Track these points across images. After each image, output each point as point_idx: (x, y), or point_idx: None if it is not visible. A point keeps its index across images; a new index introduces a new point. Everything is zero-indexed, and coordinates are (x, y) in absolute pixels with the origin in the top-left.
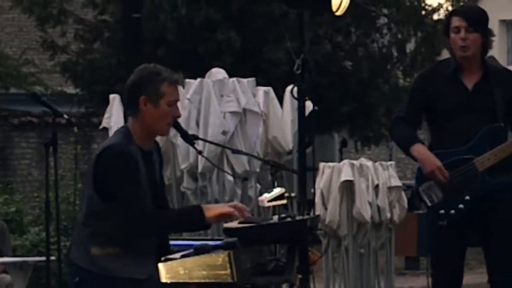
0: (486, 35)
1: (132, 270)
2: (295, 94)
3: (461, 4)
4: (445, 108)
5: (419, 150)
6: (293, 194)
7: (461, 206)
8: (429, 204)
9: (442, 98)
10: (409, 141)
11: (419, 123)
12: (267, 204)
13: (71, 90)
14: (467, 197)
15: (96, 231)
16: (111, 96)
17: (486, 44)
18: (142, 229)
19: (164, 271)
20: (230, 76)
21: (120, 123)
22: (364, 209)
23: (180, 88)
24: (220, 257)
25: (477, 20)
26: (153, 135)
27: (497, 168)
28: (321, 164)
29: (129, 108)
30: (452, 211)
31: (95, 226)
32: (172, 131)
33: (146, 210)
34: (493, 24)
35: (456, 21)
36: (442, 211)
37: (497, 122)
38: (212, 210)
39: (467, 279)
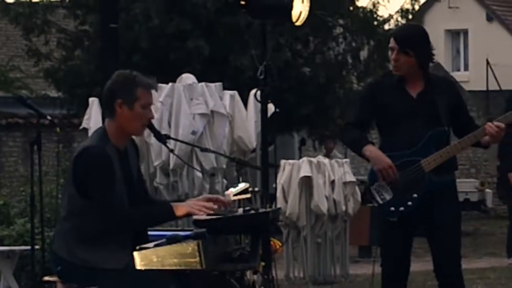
0: (422, 53)
1: (110, 261)
2: (259, 98)
3: (410, 15)
4: (392, 115)
5: (371, 150)
6: (256, 189)
7: (409, 203)
8: (380, 202)
9: (389, 106)
10: (361, 143)
11: (368, 128)
12: (232, 198)
13: (53, 93)
14: (415, 195)
15: (77, 225)
16: (90, 99)
17: (423, 61)
18: (117, 224)
19: (139, 259)
20: (199, 81)
21: (99, 124)
22: (321, 203)
23: (153, 91)
24: (190, 246)
25: (409, 42)
26: (128, 135)
27: (441, 168)
28: (282, 161)
29: (106, 111)
30: (402, 208)
31: (76, 221)
32: (146, 131)
33: (121, 207)
34: (439, 34)
35: (390, 43)
36: (392, 208)
37: (440, 126)
38: (180, 209)
39: (415, 266)
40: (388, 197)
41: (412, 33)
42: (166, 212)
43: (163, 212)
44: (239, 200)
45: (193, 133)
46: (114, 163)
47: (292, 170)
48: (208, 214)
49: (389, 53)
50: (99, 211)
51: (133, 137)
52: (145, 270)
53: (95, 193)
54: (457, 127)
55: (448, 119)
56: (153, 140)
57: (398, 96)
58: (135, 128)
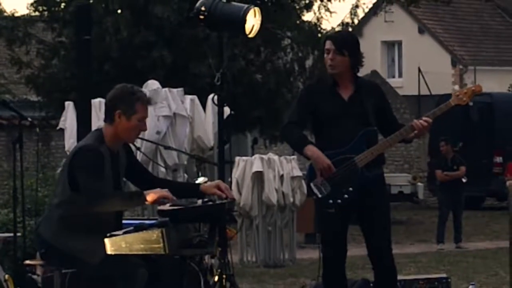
0: (355, 56)
1: (90, 251)
2: (216, 101)
3: (350, 28)
4: (327, 116)
5: (313, 150)
6: None
7: (346, 196)
8: (319, 195)
9: (324, 107)
10: (302, 142)
11: (306, 126)
12: None
13: (33, 98)
14: (351, 188)
15: (66, 213)
16: (66, 103)
17: (355, 64)
18: (100, 204)
19: (109, 245)
20: (163, 86)
21: (74, 125)
22: (271, 195)
23: None
24: (154, 233)
25: (344, 44)
26: (121, 141)
27: (372, 163)
28: (237, 158)
29: (106, 117)
30: (339, 201)
31: (66, 209)
32: None
33: (100, 188)
34: (376, 44)
35: (327, 44)
36: (330, 201)
37: (370, 126)
38: (151, 195)
39: (355, 251)
40: (326, 191)
41: (347, 37)
42: (140, 197)
43: (134, 193)
44: None
45: (158, 133)
46: (106, 161)
47: (245, 166)
48: (171, 205)
49: (325, 55)
50: (87, 198)
51: None
52: (117, 255)
53: (85, 183)
54: (382, 126)
55: (375, 119)
56: None
57: (331, 98)
58: (129, 137)
